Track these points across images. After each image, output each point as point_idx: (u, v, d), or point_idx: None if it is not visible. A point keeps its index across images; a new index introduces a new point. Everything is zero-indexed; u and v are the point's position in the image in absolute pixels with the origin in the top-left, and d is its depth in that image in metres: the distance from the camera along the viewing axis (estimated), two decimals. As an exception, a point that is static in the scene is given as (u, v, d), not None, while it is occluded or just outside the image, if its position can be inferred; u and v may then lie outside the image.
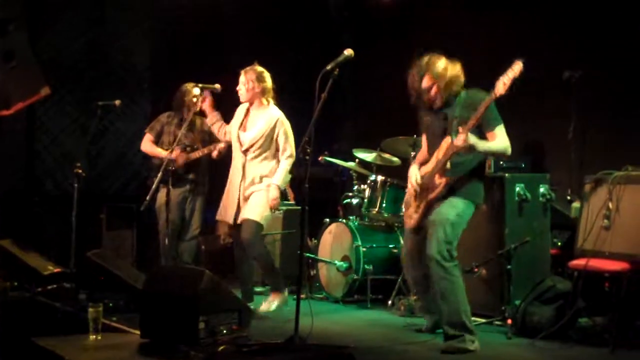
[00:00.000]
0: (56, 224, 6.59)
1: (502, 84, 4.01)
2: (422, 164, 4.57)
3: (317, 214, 6.25)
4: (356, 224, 6.01)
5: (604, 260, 4.21)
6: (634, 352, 4.10)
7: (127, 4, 7.69)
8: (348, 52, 4.11)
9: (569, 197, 5.38)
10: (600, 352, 4.11)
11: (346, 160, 6.44)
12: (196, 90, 5.62)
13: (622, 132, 5.55)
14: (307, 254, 6.14)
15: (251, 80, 5.26)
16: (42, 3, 7.25)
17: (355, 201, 6.27)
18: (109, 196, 7.46)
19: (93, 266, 5.24)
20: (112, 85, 7.52)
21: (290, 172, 5.34)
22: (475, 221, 4.53)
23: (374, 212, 5.85)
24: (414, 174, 4.52)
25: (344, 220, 6.08)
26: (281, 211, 6.54)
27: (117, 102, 6.15)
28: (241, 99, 5.36)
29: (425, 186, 4.44)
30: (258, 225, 5.21)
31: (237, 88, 5.35)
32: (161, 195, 5.69)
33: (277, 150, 5.31)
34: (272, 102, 5.35)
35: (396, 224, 5.96)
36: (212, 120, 5.55)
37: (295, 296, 3.94)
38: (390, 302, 5.59)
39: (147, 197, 5.04)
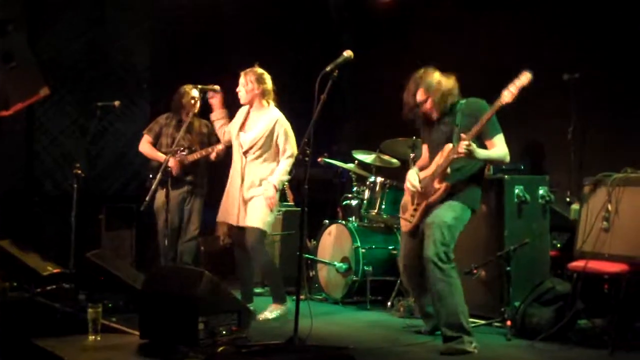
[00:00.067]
0: (55, 225, 6.59)
1: (509, 93, 4.06)
2: (422, 169, 4.58)
3: (317, 215, 6.26)
4: (355, 225, 6.01)
5: (603, 262, 4.21)
6: (633, 353, 4.10)
7: (127, 4, 7.68)
8: (347, 53, 4.11)
9: (568, 199, 5.39)
10: (600, 354, 4.10)
11: (345, 161, 6.43)
12: (195, 92, 5.58)
13: (622, 132, 5.55)
14: (307, 255, 6.14)
15: (251, 81, 5.24)
16: (42, 3, 7.25)
17: (354, 202, 6.28)
18: (109, 197, 7.45)
19: (92, 267, 5.24)
20: (111, 86, 7.51)
21: (290, 172, 5.31)
22: (474, 223, 4.53)
23: (374, 213, 5.85)
24: (414, 177, 4.52)
25: (344, 222, 6.08)
26: (281, 212, 6.53)
27: (117, 102, 6.15)
28: (241, 101, 5.33)
29: (423, 190, 4.44)
30: (261, 232, 5.20)
31: (237, 90, 5.32)
32: (160, 196, 5.68)
33: (277, 151, 5.29)
34: (272, 103, 5.33)
35: (395, 226, 5.95)
36: (218, 116, 5.50)
37: (294, 297, 3.94)
38: (389, 303, 5.59)
39: (147, 198, 5.03)
